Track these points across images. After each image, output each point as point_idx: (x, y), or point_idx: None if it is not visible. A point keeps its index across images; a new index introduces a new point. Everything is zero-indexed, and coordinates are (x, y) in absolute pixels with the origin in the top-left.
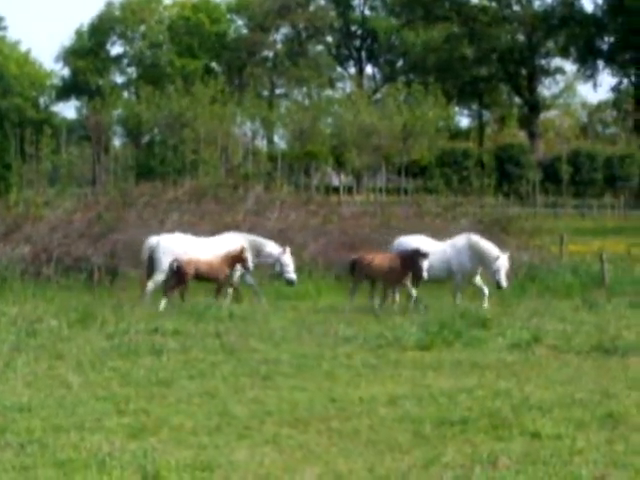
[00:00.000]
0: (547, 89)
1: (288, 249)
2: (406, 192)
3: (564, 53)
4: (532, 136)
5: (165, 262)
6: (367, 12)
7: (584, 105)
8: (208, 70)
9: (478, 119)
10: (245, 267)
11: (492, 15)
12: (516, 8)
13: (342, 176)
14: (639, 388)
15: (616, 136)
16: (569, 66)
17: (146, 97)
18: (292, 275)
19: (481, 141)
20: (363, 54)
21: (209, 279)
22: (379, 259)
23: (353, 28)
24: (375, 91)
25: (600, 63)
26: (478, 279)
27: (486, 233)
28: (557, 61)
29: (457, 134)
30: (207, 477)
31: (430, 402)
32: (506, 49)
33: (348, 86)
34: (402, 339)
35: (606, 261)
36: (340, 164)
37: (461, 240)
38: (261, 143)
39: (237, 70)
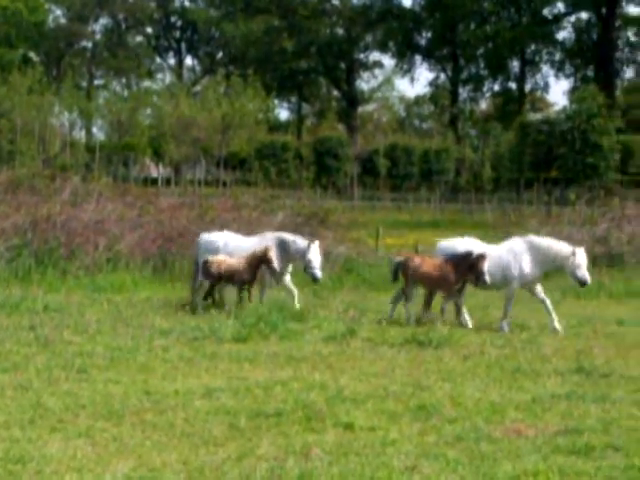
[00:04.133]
0: (366, 83)
1: (316, 243)
2: (225, 184)
3: (382, 47)
4: (350, 129)
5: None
6: (187, 3)
7: (402, 99)
8: (26, 60)
9: (297, 112)
10: (270, 268)
11: (312, 8)
12: (335, 2)
13: (161, 168)
14: (452, 380)
15: (433, 130)
16: (387, 60)
17: None
18: (317, 271)
19: (300, 134)
20: (183, 45)
21: (232, 280)
22: (428, 264)
23: (173, 19)
24: (195, 83)
25: (418, 58)
26: (539, 288)
27: (304, 226)
28: (375, 55)
29: (276, 127)
30: (19, 470)
31: (245, 394)
32: (325, 43)
33: (167, 77)
34: (218, 331)
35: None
36: (159, 156)
37: (519, 243)
38: (79, 134)
39: (55, 60)
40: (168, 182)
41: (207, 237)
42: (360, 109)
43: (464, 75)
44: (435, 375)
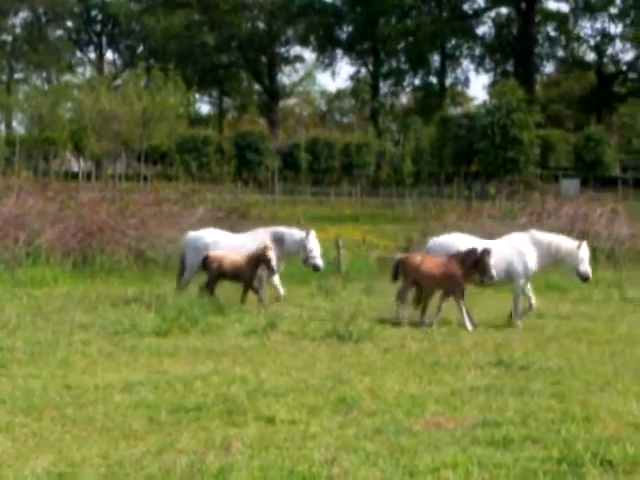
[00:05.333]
0: (287, 77)
1: (312, 233)
2: (145, 179)
3: (303, 41)
4: (272, 124)
5: (190, 258)
6: None
7: (323, 93)
8: None
9: (218, 106)
10: (269, 268)
11: (232, 3)
12: None
13: (81, 162)
14: (372, 373)
15: (353, 124)
16: (308, 54)
17: None
18: (318, 260)
19: (221, 128)
20: (103, 39)
21: (232, 278)
22: (430, 262)
23: (93, 13)
24: (115, 77)
25: (339, 52)
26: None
27: (225, 220)
28: (297, 49)
29: (197, 121)
30: None
31: (166, 388)
32: (246, 37)
33: (88, 71)
34: (139, 325)
35: (342, 248)
36: (79, 150)
37: (522, 238)
38: None
39: None
40: (89, 176)
41: (195, 235)
42: (281, 103)
43: (385, 69)
44: (355, 369)
